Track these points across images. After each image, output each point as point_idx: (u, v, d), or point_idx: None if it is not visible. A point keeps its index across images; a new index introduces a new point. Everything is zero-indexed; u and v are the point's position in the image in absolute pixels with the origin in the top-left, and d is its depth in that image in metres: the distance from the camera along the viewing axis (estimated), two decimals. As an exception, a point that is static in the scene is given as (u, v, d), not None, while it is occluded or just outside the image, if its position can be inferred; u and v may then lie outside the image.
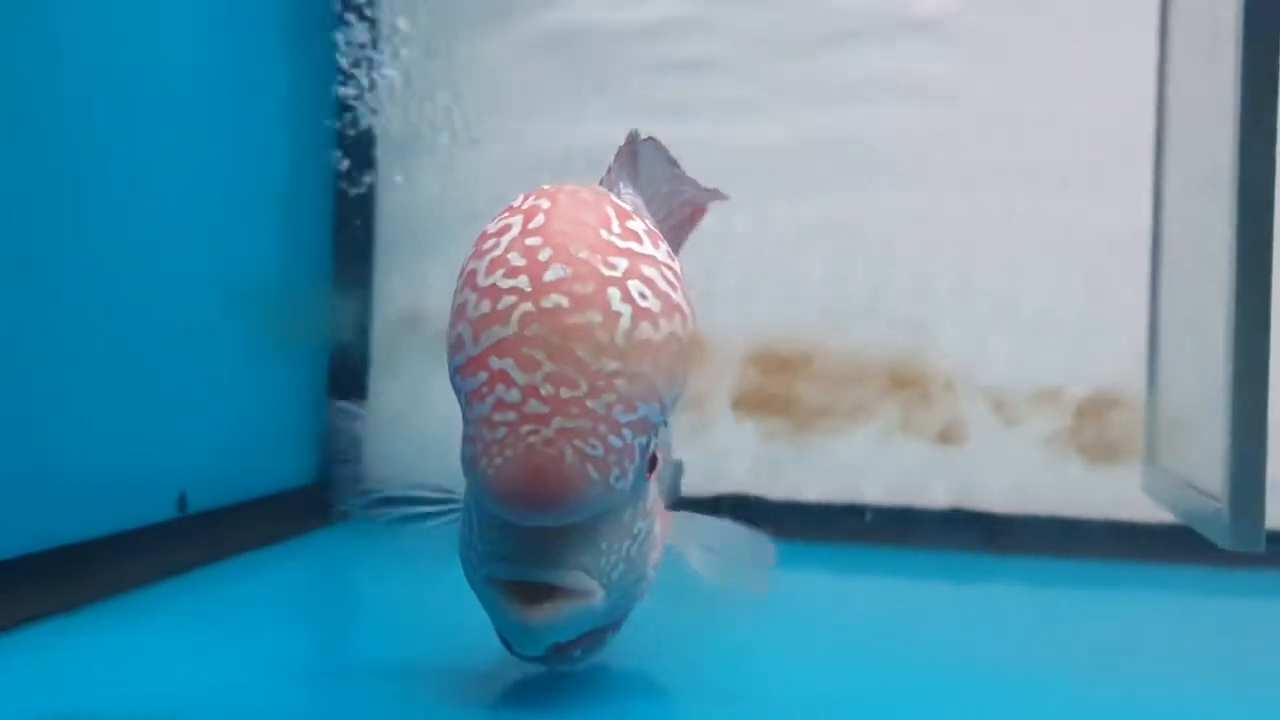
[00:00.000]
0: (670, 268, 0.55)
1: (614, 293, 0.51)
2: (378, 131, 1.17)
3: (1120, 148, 1.02)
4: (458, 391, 0.53)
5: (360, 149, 1.19)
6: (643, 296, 0.52)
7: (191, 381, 0.94)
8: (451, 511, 0.63)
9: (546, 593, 0.53)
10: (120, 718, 0.58)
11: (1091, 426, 1.06)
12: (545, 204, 0.54)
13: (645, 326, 0.51)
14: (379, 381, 1.22)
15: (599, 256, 0.51)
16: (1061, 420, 1.07)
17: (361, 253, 1.22)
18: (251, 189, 1.05)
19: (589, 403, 0.49)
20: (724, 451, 1.10)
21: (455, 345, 0.52)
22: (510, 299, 0.50)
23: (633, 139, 0.65)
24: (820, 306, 1.11)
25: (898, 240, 1.11)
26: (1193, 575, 1.01)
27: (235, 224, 1.01)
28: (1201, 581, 1.00)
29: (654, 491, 0.59)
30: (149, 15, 0.87)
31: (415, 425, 1.13)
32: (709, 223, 0.78)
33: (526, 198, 0.55)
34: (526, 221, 0.53)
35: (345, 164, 1.19)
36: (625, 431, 0.51)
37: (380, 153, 1.19)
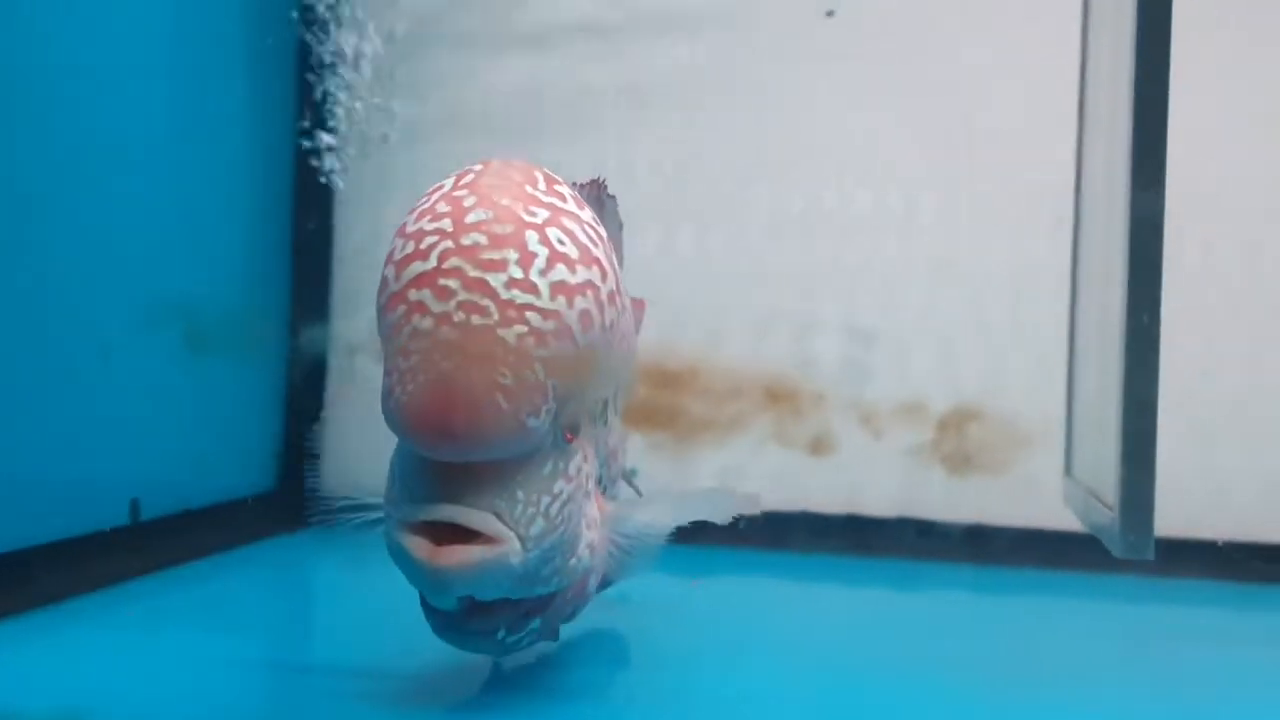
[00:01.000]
0: (594, 228, 0.56)
1: (531, 235, 0.52)
2: (338, 155, 1.20)
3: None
4: (382, 334, 0.53)
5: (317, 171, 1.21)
6: (560, 243, 0.53)
7: (145, 389, 0.95)
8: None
9: (461, 539, 0.53)
10: (68, 718, 0.59)
11: (952, 438, 1.12)
12: (478, 167, 0.56)
13: (561, 268, 0.52)
14: (336, 391, 1.24)
15: (521, 204, 0.53)
16: (925, 433, 1.12)
17: (320, 260, 1.24)
18: (210, 194, 1.06)
19: (500, 331, 0.50)
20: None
21: (381, 288, 0.53)
22: (433, 239, 0.52)
23: (600, 185, 0.67)
24: (704, 326, 1.16)
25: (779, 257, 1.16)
26: (1079, 581, 1.06)
27: (192, 232, 1.03)
28: (1085, 587, 1.05)
29: (585, 469, 0.59)
30: (105, 34, 0.90)
31: (372, 433, 1.15)
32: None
33: (467, 167, 0.57)
34: (458, 180, 0.55)
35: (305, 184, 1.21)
36: (537, 366, 0.51)
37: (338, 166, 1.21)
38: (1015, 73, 1.12)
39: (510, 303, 0.51)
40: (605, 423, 0.66)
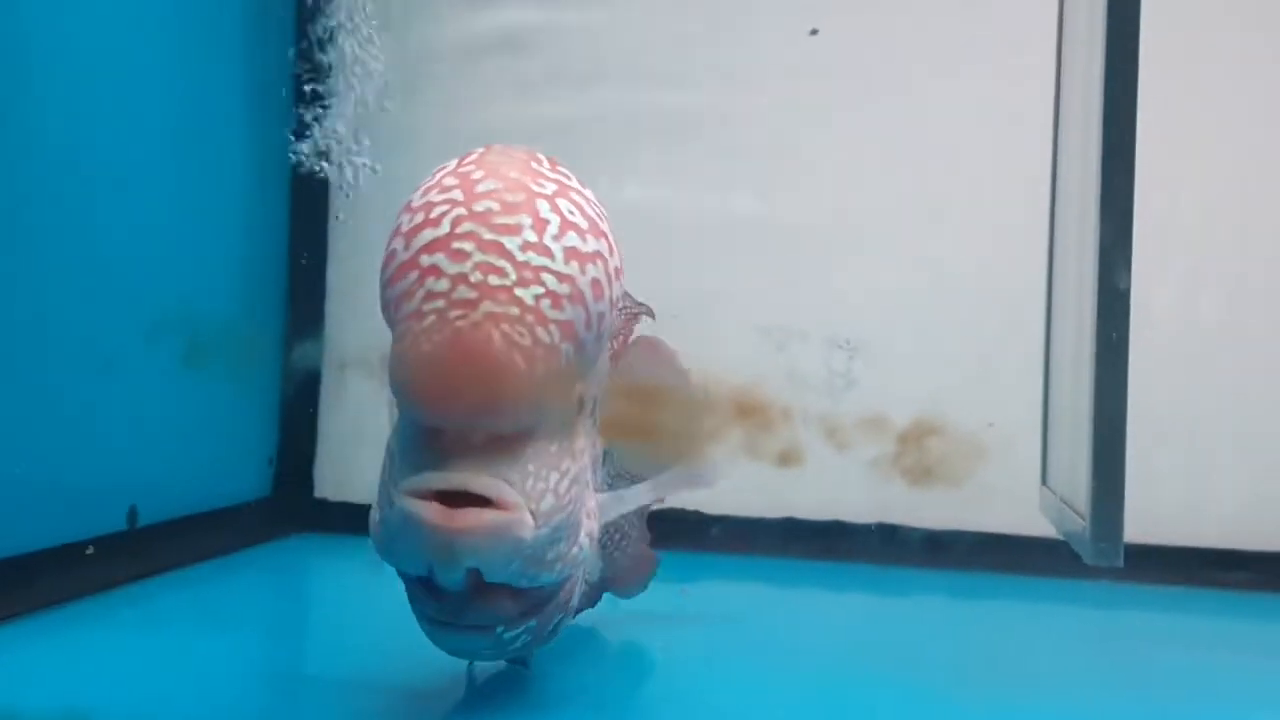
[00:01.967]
0: (598, 207, 0.55)
1: (542, 204, 0.52)
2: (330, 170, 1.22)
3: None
4: (388, 308, 0.52)
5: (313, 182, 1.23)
6: (570, 213, 0.52)
7: (144, 400, 0.97)
8: None
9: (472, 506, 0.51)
10: (68, 718, 0.60)
11: (912, 451, 1.15)
12: (480, 150, 0.55)
13: (572, 235, 0.52)
14: (330, 399, 1.26)
15: (529, 177, 0.53)
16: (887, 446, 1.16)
17: (315, 272, 1.26)
18: (209, 204, 1.08)
19: (517, 291, 0.49)
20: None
21: (387, 261, 0.52)
22: (443, 208, 0.51)
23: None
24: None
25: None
26: (1045, 585, 1.09)
27: (192, 248, 1.05)
28: (1049, 591, 1.08)
29: (588, 453, 0.58)
30: (106, 53, 0.92)
31: (366, 439, 1.17)
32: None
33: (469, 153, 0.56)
34: (461, 160, 0.54)
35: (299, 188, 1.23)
36: (553, 328, 0.50)
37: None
38: (989, 90, 1.15)
39: (526, 264, 0.50)
40: (596, 424, 0.65)
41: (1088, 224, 0.73)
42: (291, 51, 1.17)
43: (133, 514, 0.96)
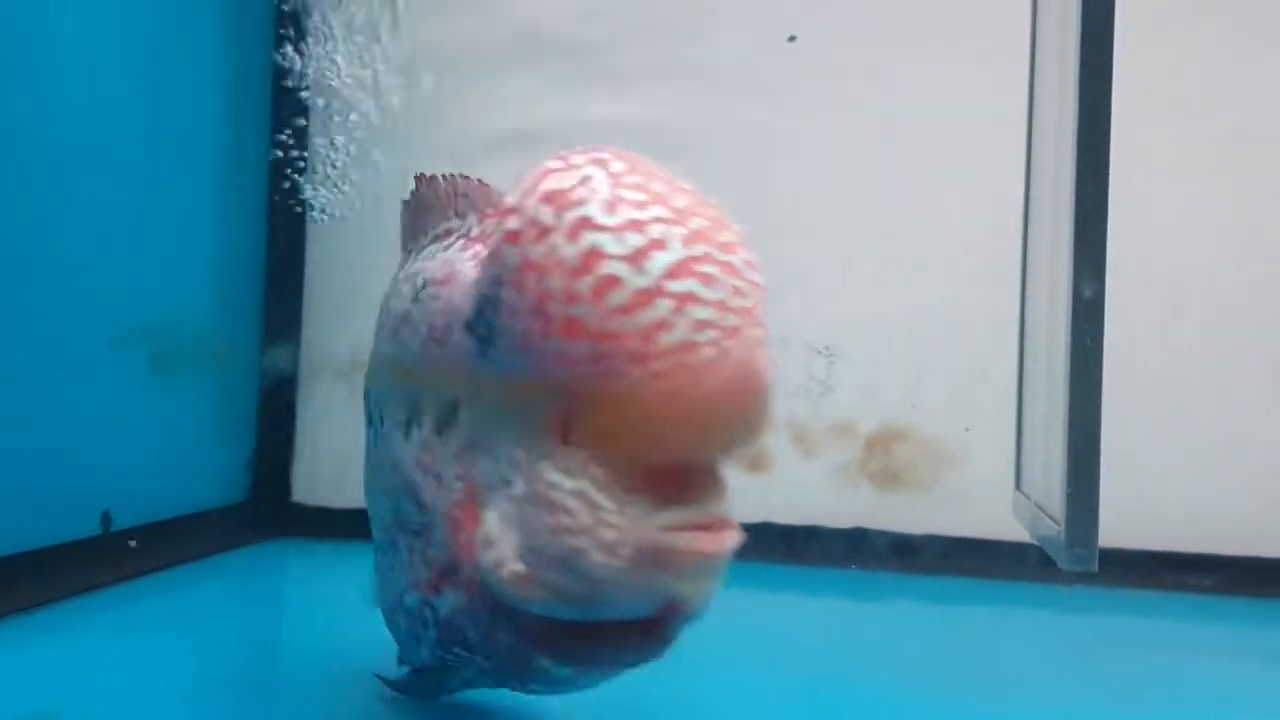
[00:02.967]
0: None
1: (728, 219, 0.50)
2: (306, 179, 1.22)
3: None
4: (630, 335, 0.46)
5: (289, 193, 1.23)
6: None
7: (117, 406, 0.97)
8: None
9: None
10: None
11: (879, 457, 1.16)
12: (604, 155, 0.50)
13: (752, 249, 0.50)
14: (307, 403, 1.26)
15: (695, 194, 0.50)
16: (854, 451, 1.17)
17: (292, 278, 1.26)
18: (183, 206, 1.08)
19: (756, 311, 0.48)
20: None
21: (604, 285, 0.46)
22: (659, 227, 0.47)
23: None
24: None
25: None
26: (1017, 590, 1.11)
27: (166, 254, 1.05)
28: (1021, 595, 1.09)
29: None
30: (80, 56, 0.91)
31: (344, 443, 1.17)
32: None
33: (566, 160, 0.50)
34: (602, 168, 0.49)
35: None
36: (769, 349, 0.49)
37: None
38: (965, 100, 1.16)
39: (754, 283, 0.49)
40: None
41: (1061, 230, 0.73)
42: (271, 50, 1.17)
43: (106, 518, 0.95)
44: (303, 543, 1.20)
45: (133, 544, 0.90)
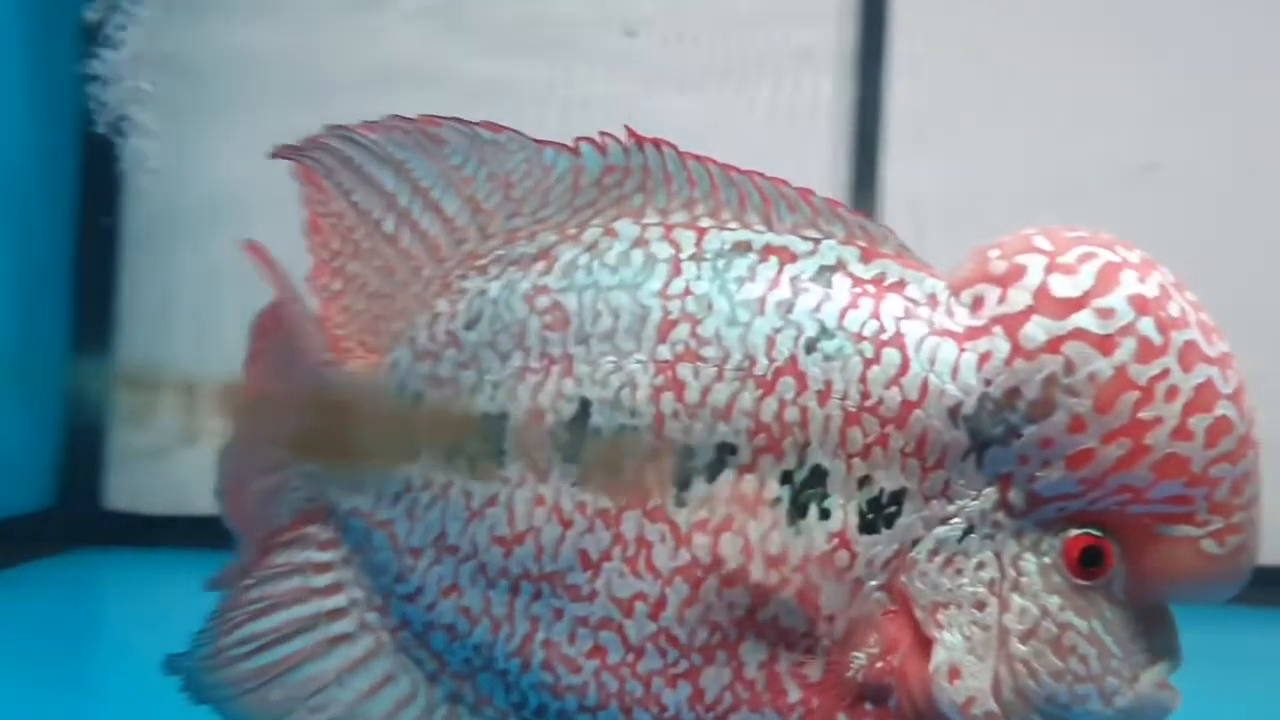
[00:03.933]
0: None
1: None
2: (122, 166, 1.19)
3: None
4: (1210, 482, 0.45)
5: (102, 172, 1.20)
6: None
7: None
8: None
9: None
10: None
11: None
12: (1131, 251, 0.47)
13: None
14: (120, 408, 1.23)
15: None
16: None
17: (105, 274, 1.23)
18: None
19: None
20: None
21: (1220, 429, 0.44)
22: (1234, 379, 0.45)
23: None
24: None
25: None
26: None
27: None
28: None
29: None
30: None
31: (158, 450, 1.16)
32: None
33: (1112, 248, 0.46)
34: (1155, 270, 0.46)
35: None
36: None
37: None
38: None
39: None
40: None
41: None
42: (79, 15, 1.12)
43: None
44: (114, 551, 1.17)
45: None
